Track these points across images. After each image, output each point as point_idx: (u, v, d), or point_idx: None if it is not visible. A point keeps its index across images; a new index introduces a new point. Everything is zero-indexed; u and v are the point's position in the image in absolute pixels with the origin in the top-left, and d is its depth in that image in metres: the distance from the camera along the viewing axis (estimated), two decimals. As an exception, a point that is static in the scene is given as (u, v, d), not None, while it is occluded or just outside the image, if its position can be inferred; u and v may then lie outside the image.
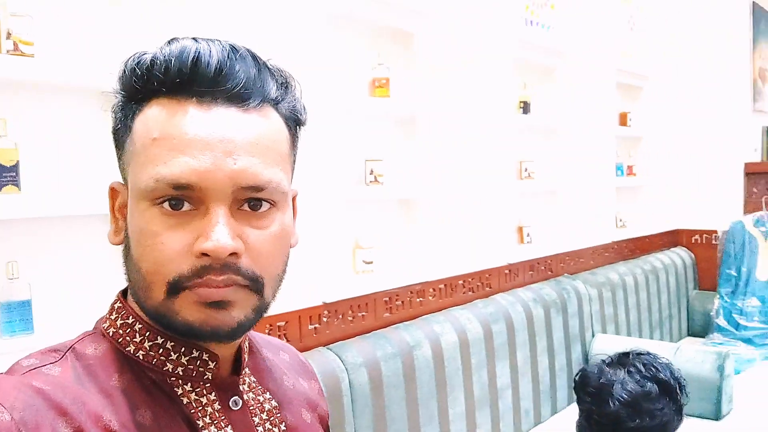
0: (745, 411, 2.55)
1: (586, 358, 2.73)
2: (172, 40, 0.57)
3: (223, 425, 0.61)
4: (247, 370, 0.67)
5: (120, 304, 0.62)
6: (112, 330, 0.61)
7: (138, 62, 0.56)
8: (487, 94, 2.43)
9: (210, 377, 0.62)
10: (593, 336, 2.79)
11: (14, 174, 1.25)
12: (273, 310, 1.66)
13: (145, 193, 0.55)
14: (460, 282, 2.30)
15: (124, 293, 0.63)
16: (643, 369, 1.20)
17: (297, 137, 0.64)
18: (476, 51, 2.38)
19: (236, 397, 0.63)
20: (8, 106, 1.26)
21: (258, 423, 0.64)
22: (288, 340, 1.72)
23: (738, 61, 3.89)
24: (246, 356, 0.67)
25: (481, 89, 2.41)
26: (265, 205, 0.58)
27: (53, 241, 1.33)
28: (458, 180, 2.30)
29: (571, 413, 2.52)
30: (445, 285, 2.23)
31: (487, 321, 2.24)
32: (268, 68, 0.60)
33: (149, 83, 0.56)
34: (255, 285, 0.58)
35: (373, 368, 1.81)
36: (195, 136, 0.54)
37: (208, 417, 0.60)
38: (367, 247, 2.02)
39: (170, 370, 0.60)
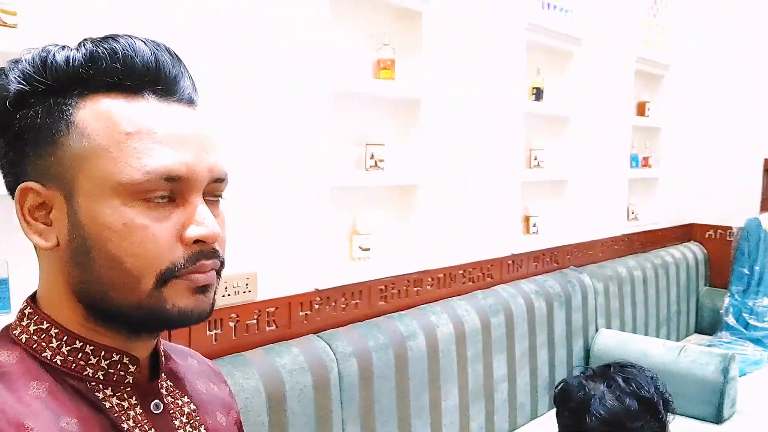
0: (749, 415, 2.48)
1: (587, 353, 2.68)
2: (113, 36, 0.56)
3: (146, 428, 0.60)
4: (163, 374, 0.68)
5: (31, 310, 0.60)
6: (24, 336, 0.58)
7: (70, 57, 0.55)
8: (497, 78, 2.35)
9: (131, 381, 0.61)
10: (597, 331, 2.74)
11: None
12: (263, 296, 1.65)
13: (128, 187, 0.55)
14: (460, 272, 2.25)
15: (32, 299, 0.61)
16: (623, 384, 1.13)
17: None
18: (487, 33, 2.29)
19: (157, 401, 0.63)
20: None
21: (179, 426, 0.64)
22: (277, 327, 1.69)
23: (763, 53, 3.75)
24: (163, 359, 0.67)
25: (491, 74, 2.33)
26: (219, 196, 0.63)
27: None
28: (462, 167, 2.23)
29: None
30: (444, 275, 2.18)
31: (486, 313, 2.19)
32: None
33: (98, 77, 0.55)
34: (221, 268, 0.61)
35: (364, 358, 1.77)
36: (175, 131, 0.57)
37: (131, 421, 0.59)
38: (364, 234, 1.97)
39: (90, 374, 0.59)
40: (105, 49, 0.55)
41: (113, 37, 0.56)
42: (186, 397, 0.67)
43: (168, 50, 0.59)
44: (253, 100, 1.61)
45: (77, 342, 0.58)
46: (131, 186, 0.54)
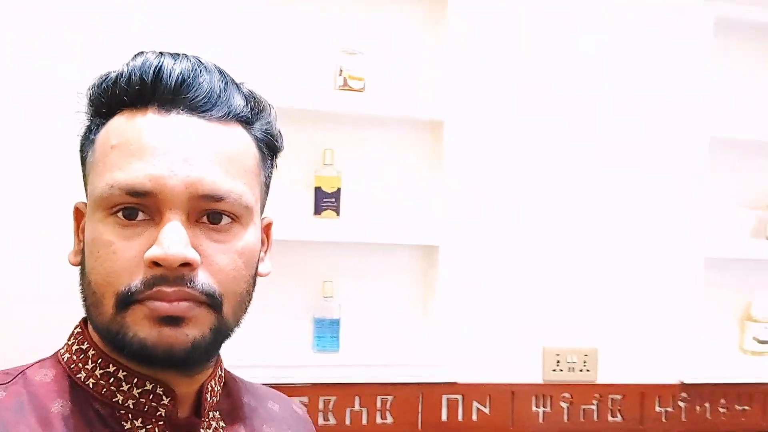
0: None
1: None
2: (137, 54, 0.55)
3: None
4: (217, 414, 0.59)
5: (79, 330, 0.58)
6: (67, 355, 0.57)
7: (105, 79, 0.56)
8: None
9: (163, 414, 0.55)
10: None
11: (334, 200, 1.35)
12: (606, 378, 1.41)
13: (100, 201, 0.52)
14: None
15: (84, 320, 0.59)
16: None
17: (270, 162, 0.61)
18: None
19: None
20: (335, 137, 1.37)
21: None
22: (623, 419, 1.41)
23: None
24: (209, 396, 0.58)
25: None
26: (226, 219, 0.54)
27: (364, 265, 1.38)
28: None
29: None
30: None
31: None
32: (237, 86, 0.58)
33: (113, 97, 0.55)
34: (212, 301, 0.52)
35: (748, 486, 1.33)
36: (152, 141, 0.52)
37: None
38: (762, 321, 1.51)
39: (120, 402, 0.54)
40: (125, 68, 0.55)
41: (136, 55, 0.56)
42: None
43: (193, 61, 0.55)
44: (606, 147, 1.44)
45: (111, 366, 0.55)
46: (101, 200, 0.52)
